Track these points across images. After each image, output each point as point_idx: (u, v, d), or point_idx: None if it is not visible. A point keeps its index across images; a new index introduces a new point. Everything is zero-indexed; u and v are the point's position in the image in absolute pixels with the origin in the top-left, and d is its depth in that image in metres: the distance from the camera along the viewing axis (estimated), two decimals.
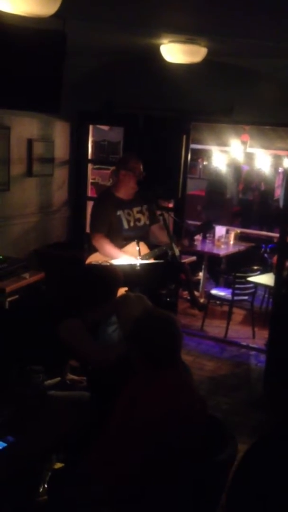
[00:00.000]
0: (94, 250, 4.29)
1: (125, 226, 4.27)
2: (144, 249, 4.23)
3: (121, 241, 4.23)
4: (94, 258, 4.19)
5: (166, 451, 2.05)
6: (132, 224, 4.31)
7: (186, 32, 3.96)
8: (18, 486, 2.35)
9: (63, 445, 2.59)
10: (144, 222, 4.39)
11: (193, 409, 2.14)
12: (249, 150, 7.93)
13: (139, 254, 4.04)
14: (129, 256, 4.11)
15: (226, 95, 5.31)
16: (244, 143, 7.53)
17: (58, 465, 2.78)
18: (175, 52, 4.24)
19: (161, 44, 4.26)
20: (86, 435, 2.41)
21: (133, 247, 4.14)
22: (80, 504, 2.12)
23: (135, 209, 4.35)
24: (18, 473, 2.23)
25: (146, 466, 2.05)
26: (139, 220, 4.36)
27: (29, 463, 2.31)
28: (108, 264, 3.58)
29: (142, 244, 4.17)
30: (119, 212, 4.26)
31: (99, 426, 2.33)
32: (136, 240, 4.09)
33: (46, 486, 2.63)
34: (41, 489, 2.65)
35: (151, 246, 4.39)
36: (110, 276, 2.95)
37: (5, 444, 2.25)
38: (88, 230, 5.70)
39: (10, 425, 2.35)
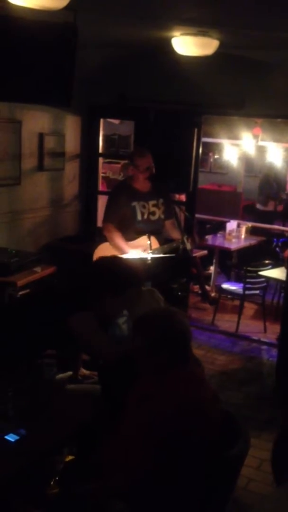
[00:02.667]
0: (102, 241, 4.30)
1: (139, 217, 4.25)
2: (155, 243, 4.22)
3: (133, 234, 4.23)
4: (102, 249, 4.18)
5: (179, 445, 2.05)
6: (145, 216, 4.29)
7: (198, 25, 3.93)
8: (30, 478, 2.37)
9: (75, 438, 2.60)
10: (159, 216, 4.36)
11: (206, 403, 2.14)
12: (260, 143, 7.87)
13: (150, 248, 4.03)
14: (136, 251, 4.10)
15: (238, 88, 5.28)
16: (255, 136, 7.48)
17: (70, 458, 2.79)
18: (186, 44, 4.21)
19: (172, 36, 4.24)
20: (98, 429, 2.42)
21: (144, 240, 4.13)
22: (91, 497, 2.12)
23: (151, 202, 4.33)
24: (29, 465, 2.24)
25: (159, 460, 2.05)
26: (153, 213, 4.34)
27: (40, 456, 2.32)
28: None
29: (153, 238, 4.16)
30: (134, 203, 4.25)
31: (111, 420, 2.33)
32: (147, 234, 4.09)
33: (57, 478, 2.65)
34: (52, 482, 2.66)
35: (163, 241, 4.38)
36: (129, 267, 2.91)
37: (17, 437, 2.26)
38: (99, 224, 5.71)
39: (22, 418, 2.36)
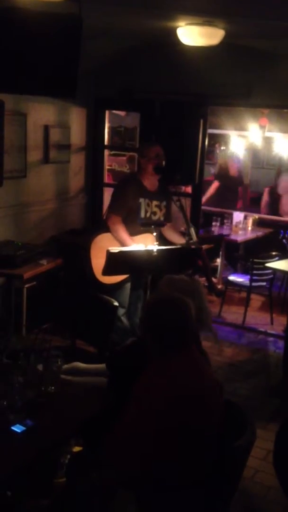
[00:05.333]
0: (103, 230, 4.27)
1: (142, 215, 4.27)
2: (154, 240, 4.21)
3: (138, 227, 4.23)
4: (101, 241, 4.17)
5: (182, 435, 2.05)
6: (148, 215, 4.32)
7: (204, 14, 3.89)
8: (37, 469, 2.38)
9: (82, 430, 2.61)
10: (159, 217, 4.39)
11: (207, 393, 2.13)
12: (267, 134, 7.81)
13: (157, 240, 4.03)
14: (138, 245, 4.09)
15: (244, 78, 5.24)
16: (262, 127, 7.42)
17: (77, 448, 2.81)
18: (192, 34, 4.19)
19: (178, 26, 4.21)
20: (104, 420, 2.42)
21: (147, 235, 4.14)
22: (98, 487, 2.13)
23: (155, 202, 4.35)
24: (36, 456, 2.25)
25: (163, 451, 2.05)
26: (154, 213, 4.36)
27: (47, 447, 2.33)
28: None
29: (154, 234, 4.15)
30: (141, 200, 4.26)
31: (117, 411, 2.34)
32: (153, 227, 4.08)
33: (64, 468, 2.66)
34: (59, 472, 2.68)
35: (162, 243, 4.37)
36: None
37: (24, 428, 2.27)
38: (105, 216, 5.70)
39: (29, 409, 2.37)
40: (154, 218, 4.35)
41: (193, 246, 4.03)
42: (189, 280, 2.75)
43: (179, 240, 4.26)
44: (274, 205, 8.17)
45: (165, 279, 2.74)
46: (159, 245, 4.09)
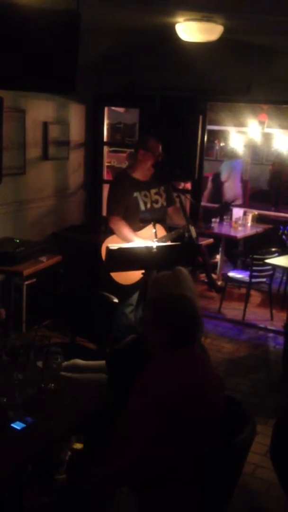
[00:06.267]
0: (111, 232, 4.28)
1: (142, 208, 4.24)
2: (161, 231, 4.21)
3: (138, 223, 4.22)
4: (111, 241, 4.18)
5: (183, 429, 2.05)
6: (149, 205, 4.28)
7: (202, 10, 3.88)
8: (37, 466, 2.38)
9: (82, 426, 2.61)
10: (162, 203, 4.35)
11: (209, 387, 2.13)
12: (266, 130, 7.81)
13: (156, 237, 4.02)
14: (144, 240, 4.08)
15: (244, 74, 5.23)
16: (261, 123, 7.42)
17: (78, 445, 2.81)
18: (191, 30, 4.18)
19: (176, 22, 4.20)
20: (105, 417, 2.42)
21: (150, 229, 4.12)
22: (99, 485, 2.13)
23: (153, 191, 4.30)
24: (36, 453, 2.25)
25: (164, 446, 2.05)
26: (156, 201, 4.32)
27: (47, 444, 2.33)
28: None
29: (159, 226, 4.15)
30: (135, 194, 4.23)
31: (118, 408, 2.34)
32: (152, 223, 4.07)
33: (65, 465, 2.66)
34: (60, 469, 2.68)
35: (168, 228, 4.36)
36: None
37: (24, 425, 2.27)
38: (104, 213, 5.72)
39: (28, 406, 2.37)
40: (157, 206, 4.31)
41: (196, 229, 4.00)
42: (170, 272, 2.74)
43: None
44: (218, 193, 8.26)
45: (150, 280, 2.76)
46: (160, 240, 4.09)
